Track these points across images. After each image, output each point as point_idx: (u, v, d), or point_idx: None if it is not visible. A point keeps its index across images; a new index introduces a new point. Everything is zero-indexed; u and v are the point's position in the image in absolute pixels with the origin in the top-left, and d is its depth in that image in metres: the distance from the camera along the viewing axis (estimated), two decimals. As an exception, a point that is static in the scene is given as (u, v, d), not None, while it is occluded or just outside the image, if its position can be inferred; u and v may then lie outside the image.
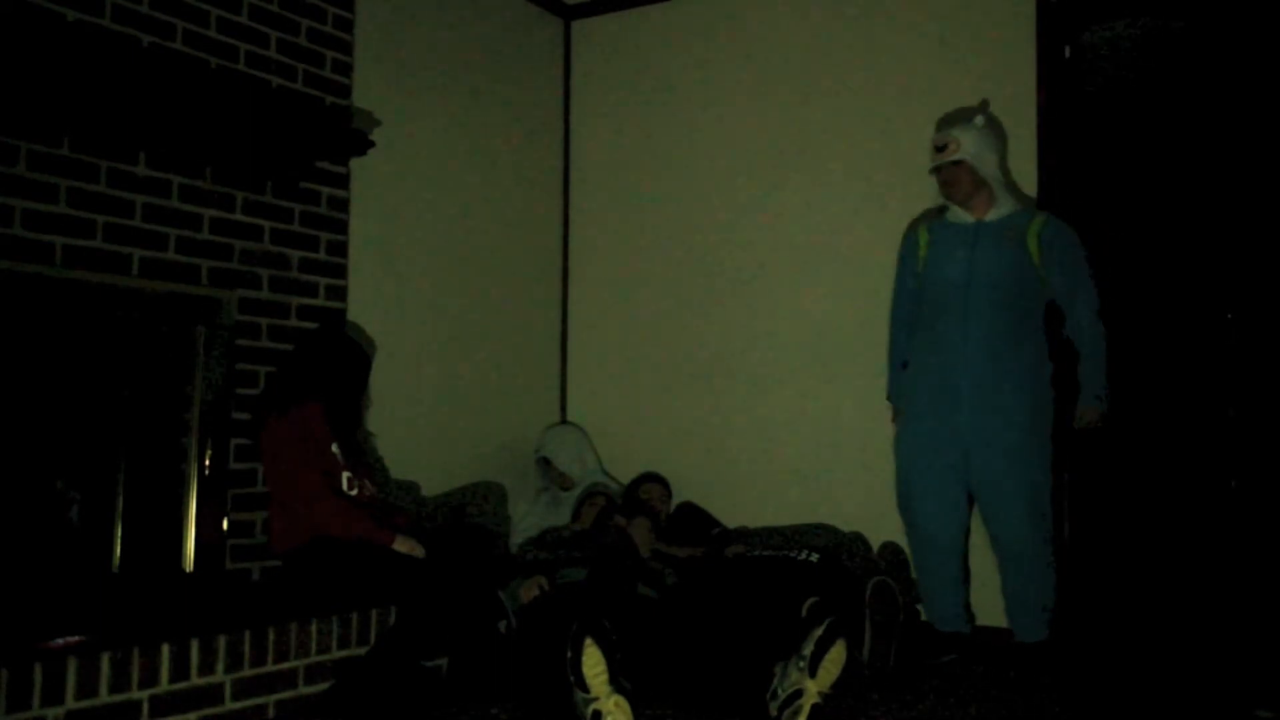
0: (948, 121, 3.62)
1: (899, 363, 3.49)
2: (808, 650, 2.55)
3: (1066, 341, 3.33)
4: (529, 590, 3.21)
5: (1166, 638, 3.37)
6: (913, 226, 3.56)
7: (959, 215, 3.36)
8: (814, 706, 2.52)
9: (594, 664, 2.45)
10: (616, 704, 2.45)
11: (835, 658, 2.55)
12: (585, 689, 2.44)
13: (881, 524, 3.79)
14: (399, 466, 3.68)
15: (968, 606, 3.43)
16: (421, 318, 3.89)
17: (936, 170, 3.35)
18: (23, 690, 2.14)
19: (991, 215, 3.32)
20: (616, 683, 2.48)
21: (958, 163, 3.29)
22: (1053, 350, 3.31)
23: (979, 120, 3.34)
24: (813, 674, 2.53)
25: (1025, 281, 3.26)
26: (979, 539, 3.41)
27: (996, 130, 3.54)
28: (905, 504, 3.39)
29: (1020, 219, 3.31)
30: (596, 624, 2.50)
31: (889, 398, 3.54)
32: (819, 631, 2.56)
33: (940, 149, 3.33)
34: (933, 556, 3.34)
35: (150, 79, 2.74)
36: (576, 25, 4.64)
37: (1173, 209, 3.53)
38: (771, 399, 4.11)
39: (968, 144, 3.28)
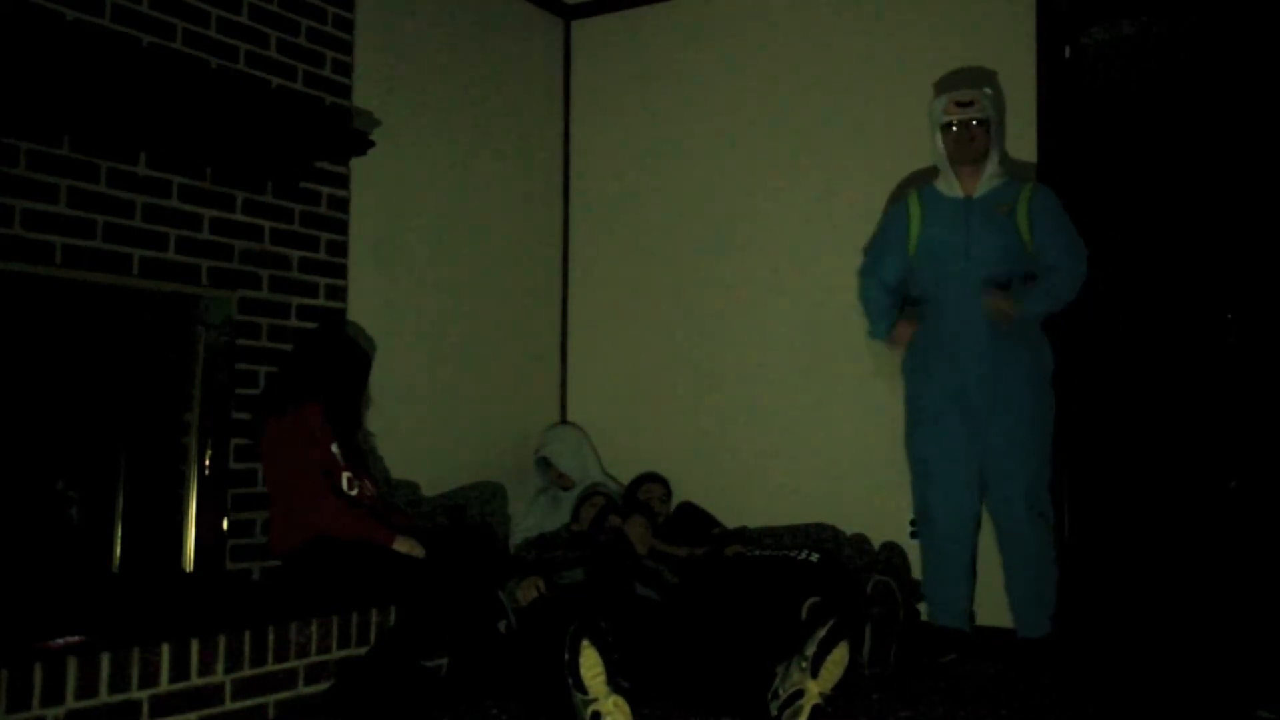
0: (950, 84, 3.61)
1: (882, 312, 3.48)
2: (810, 651, 2.55)
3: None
4: (526, 591, 3.21)
5: (1167, 637, 3.37)
6: (900, 193, 3.53)
7: (951, 186, 3.34)
8: (814, 707, 2.52)
9: (591, 665, 2.45)
10: (616, 704, 2.45)
11: (838, 659, 2.55)
12: (583, 690, 2.45)
13: (882, 524, 3.79)
14: (399, 466, 3.68)
15: (970, 604, 3.43)
16: (421, 317, 3.88)
17: (949, 128, 3.29)
18: (23, 690, 2.14)
19: (981, 190, 3.30)
20: (615, 683, 2.48)
21: (982, 121, 3.27)
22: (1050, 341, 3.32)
23: (989, 90, 3.37)
24: (815, 675, 2.53)
25: (1020, 262, 3.26)
26: (984, 538, 3.42)
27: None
28: (921, 497, 3.40)
29: (1008, 192, 3.29)
30: (593, 625, 2.50)
31: (875, 335, 3.53)
32: (822, 632, 2.56)
33: (965, 105, 3.29)
34: (945, 544, 3.34)
35: (150, 79, 2.74)
36: (576, 25, 4.64)
37: (1173, 209, 3.52)
38: (771, 399, 4.11)
39: (989, 106, 3.30)
